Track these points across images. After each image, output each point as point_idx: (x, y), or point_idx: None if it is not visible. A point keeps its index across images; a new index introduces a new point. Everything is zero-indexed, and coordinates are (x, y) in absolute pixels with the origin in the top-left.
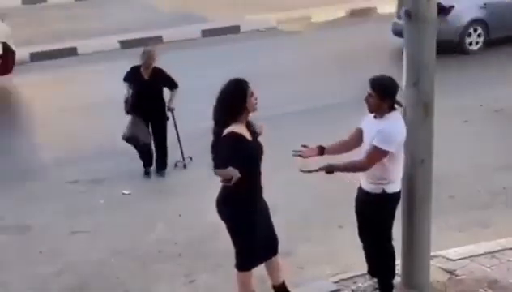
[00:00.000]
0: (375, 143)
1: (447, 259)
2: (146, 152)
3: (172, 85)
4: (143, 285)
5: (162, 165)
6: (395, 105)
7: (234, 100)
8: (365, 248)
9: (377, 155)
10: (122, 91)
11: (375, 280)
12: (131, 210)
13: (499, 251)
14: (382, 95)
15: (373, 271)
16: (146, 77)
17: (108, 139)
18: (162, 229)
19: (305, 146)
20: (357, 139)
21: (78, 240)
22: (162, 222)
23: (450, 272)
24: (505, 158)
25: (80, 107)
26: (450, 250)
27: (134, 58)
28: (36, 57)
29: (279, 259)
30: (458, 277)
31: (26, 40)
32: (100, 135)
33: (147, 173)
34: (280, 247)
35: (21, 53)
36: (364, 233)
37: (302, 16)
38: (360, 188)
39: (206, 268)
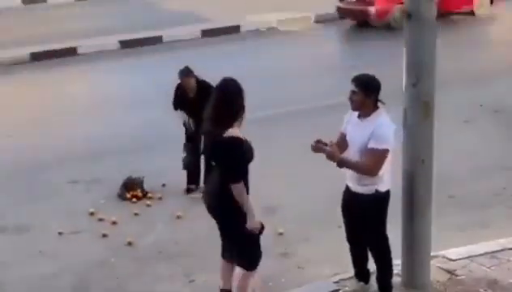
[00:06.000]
0: (373, 145)
1: (447, 259)
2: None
3: None
4: (143, 285)
5: None
6: (378, 104)
7: (238, 98)
8: (355, 251)
9: (380, 156)
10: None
11: (361, 283)
12: (131, 210)
13: (499, 251)
14: (367, 91)
15: (360, 274)
16: (191, 95)
17: (108, 138)
18: (162, 230)
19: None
20: (342, 144)
21: (78, 240)
22: (162, 222)
23: (450, 272)
24: (505, 158)
25: (80, 107)
26: (450, 250)
27: (134, 58)
28: (36, 57)
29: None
30: (458, 277)
31: (26, 40)
32: (100, 134)
33: (190, 190)
34: (280, 247)
35: (21, 53)
36: (357, 235)
37: (302, 16)
38: (348, 191)
39: (206, 268)
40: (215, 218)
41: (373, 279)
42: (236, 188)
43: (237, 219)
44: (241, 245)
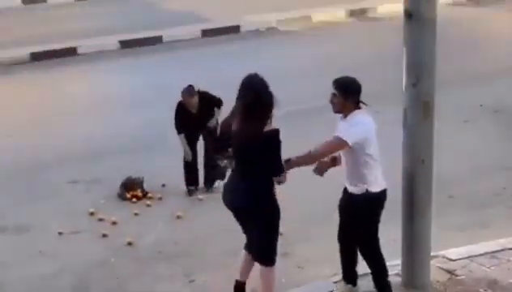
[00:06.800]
0: (335, 133)
1: (447, 259)
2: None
3: (219, 104)
4: (143, 285)
5: (214, 180)
6: (360, 105)
7: (267, 93)
8: (344, 251)
9: (333, 142)
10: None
11: (349, 286)
12: (131, 210)
13: (499, 251)
14: (346, 94)
15: (348, 277)
16: (194, 111)
17: (108, 138)
18: (162, 230)
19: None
20: None
21: (78, 240)
22: (162, 222)
23: (450, 272)
24: (505, 158)
25: (80, 107)
26: (450, 250)
27: (133, 58)
28: (36, 57)
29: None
30: (458, 277)
31: (26, 40)
32: (100, 134)
33: (191, 192)
34: (280, 247)
35: (21, 53)
36: (348, 235)
37: (302, 16)
38: (345, 192)
39: (206, 268)
40: (243, 219)
41: (360, 282)
42: (284, 178)
43: (266, 216)
44: (266, 241)
